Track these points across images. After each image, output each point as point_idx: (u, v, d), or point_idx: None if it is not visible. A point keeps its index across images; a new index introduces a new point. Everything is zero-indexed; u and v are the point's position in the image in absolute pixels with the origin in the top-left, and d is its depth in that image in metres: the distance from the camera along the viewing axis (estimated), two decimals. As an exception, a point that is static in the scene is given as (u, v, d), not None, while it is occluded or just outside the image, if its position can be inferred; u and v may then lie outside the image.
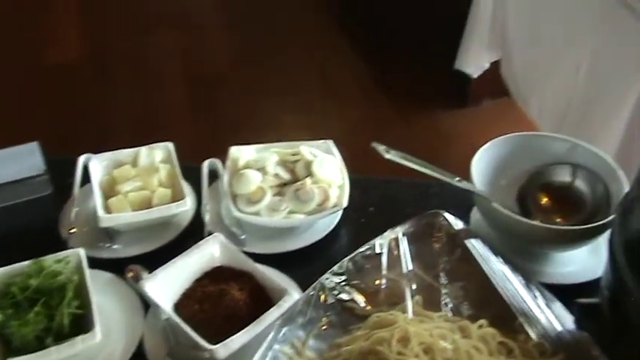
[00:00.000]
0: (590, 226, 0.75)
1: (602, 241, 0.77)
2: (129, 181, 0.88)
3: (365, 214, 0.93)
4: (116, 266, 0.83)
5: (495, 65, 2.08)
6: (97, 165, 0.91)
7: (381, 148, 0.73)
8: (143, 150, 0.93)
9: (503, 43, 1.97)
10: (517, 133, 0.87)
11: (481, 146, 0.85)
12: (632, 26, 1.39)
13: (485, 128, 2.08)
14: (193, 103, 2.43)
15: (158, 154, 0.93)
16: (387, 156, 0.73)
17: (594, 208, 0.81)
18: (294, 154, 0.92)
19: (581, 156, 0.85)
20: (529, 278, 0.73)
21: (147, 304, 0.79)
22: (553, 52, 1.72)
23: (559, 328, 0.67)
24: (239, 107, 2.37)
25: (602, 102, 1.54)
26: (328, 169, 0.89)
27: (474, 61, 2.10)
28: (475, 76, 2.15)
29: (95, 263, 0.83)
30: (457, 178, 0.79)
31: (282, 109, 2.33)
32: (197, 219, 0.90)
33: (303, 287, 0.76)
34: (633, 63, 1.40)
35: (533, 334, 0.67)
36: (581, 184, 0.84)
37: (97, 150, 0.94)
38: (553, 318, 0.69)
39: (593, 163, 0.83)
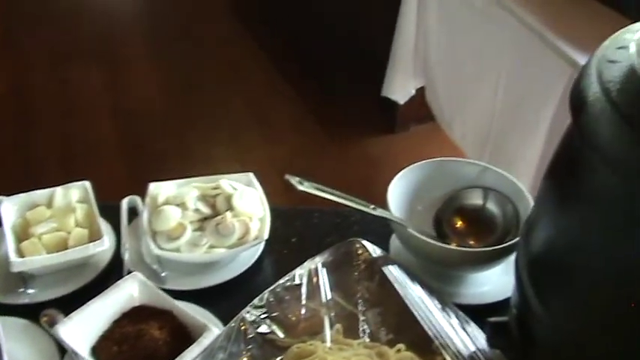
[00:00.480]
0: (498, 247, 0.79)
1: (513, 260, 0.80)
2: (43, 223, 0.86)
3: (287, 245, 0.93)
4: (32, 312, 0.80)
5: (421, 91, 2.15)
6: (9, 207, 0.89)
7: (294, 180, 0.74)
8: (58, 190, 0.91)
9: (426, 70, 2.04)
10: (430, 160, 0.90)
11: (406, 171, 0.88)
12: (542, 51, 1.46)
13: (413, 153, 2.12)
14: (118, 137, 2.39)
15: (75, 194, 0.91)
16: (301, 188, 0.74)
17: (505, 229, 0.84)
18: (214, 188, 0.92)
19: (490, 179, 0.88)
20: (445, 301, 0.75)
21: (64, 350, 0.77)
22: (472, 78, 1.79)
23: (472, 348, 0.69)
24: (166, 141, 2.35)
25: (519, 125, 1.61)
26: (249, 201, 0.90)
27: (400, 88, 2.16)
28: (402, 102, 2.21)
29: (10, 310, 0.80)
30: (372, 206, 0.81)
31: (211, 142, 2.33)
32: (117, 258, 0.88)
33: (225, 322, 0.76)
34: (544, 88, 1.47)
35: (448, 356, 0.69)
36: (492, 207, 0.87)
37: (20, 189, 0.91)
38: (467, 338, 0.71)
39: (502, 186, 0.87)
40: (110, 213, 0.93)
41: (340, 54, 2.66)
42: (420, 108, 2.18)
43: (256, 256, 0.89)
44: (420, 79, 2.10)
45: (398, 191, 0.87)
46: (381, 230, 0.89)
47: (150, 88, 2.64)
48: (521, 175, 1.45)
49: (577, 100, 0.52)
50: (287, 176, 0.74)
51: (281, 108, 2.53)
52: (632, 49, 0.52)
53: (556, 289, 0.58)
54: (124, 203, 0.94)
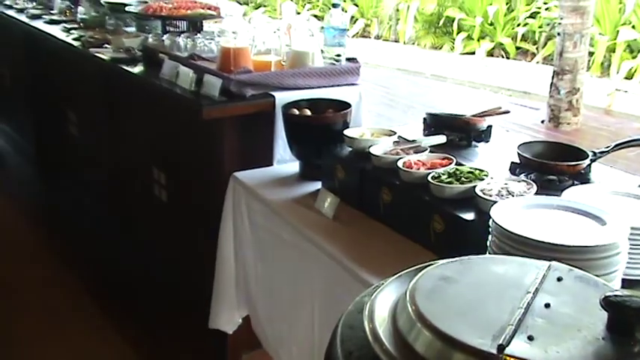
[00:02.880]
0: None
1: None
2: None
3: None
4: None
5: (248, 319, 2.17)
6: None
7: None
8: None
9: (248, 300, 2.09)
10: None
11: None
12: (350, 284, 1.58)
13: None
14: None
15: None
16: None
17: None
18: None
19: None
20: None
21: None
22: (290, 305, 1.86)
23: None
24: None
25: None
26: None
27: (226, 319, 2.18)
28: (230, 332, 2.21)
29: None
30: None
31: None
32: None
33: None
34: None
35: None
36: None
37: None
38: None
39: None
40: None
41: (164, 288, 2.66)
42: (249, 335, 2.19)
43: None
44: (244, 309, 2.14)
45: None
46: None
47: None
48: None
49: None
50: None
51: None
52: (366, 313, 0.59)
53: None
54: None
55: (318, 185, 2.00)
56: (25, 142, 4.47)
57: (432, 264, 0.81)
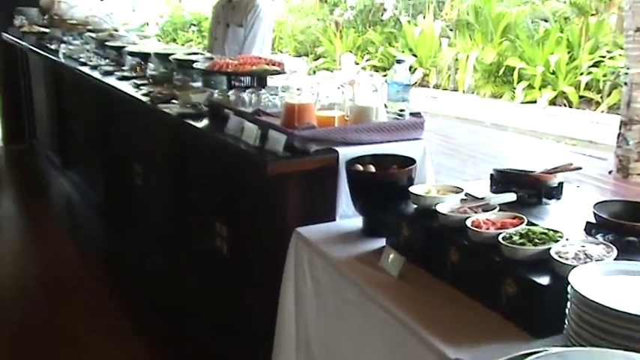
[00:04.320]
0: None
1: None
2: None
3: None
4: None
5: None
6: None
7: None
8: None
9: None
10: None
11: None
12: (416, 348, 1.52)
13: None
14: None
15: None
16: None
17: None
18: None
19: None
20: None
21: None
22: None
23: None
24: None
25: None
26: None
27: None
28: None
29: None
30: None
31: None
32: None
33: None
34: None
35: None
36: None
37: None
38: None
39: None
40: None
41: (221, 343, 2.64)
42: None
43: None
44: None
45: None
46: None
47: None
48: None
49: None
50: None
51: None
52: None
53: None
54: None
55: (382, 242, 1.96)
56: (94, 192, 4.62)
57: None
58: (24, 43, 5.50)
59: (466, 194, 1.87)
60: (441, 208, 1.76)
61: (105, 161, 4.26)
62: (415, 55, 11.44)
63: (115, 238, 4.11)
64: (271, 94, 2.60)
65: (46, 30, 5.50)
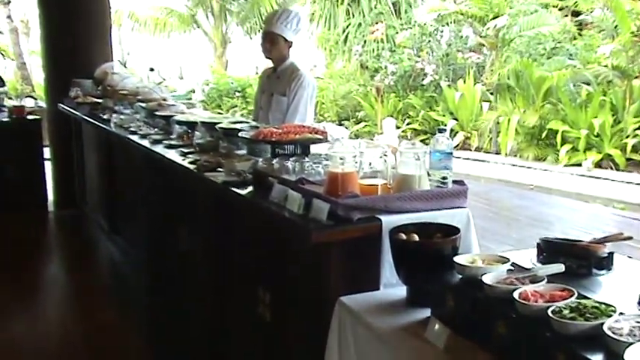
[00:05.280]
0: None
1: None
2: None
3: None
4: None
5: None
6: None
7: None
8: None
9: None
10: None
11: None
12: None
13: None
14: None
15: None
16: None
17: None
18: None
19: None
20: None
21: None
22: None
23: None
24: None
25: None
26: None
27: None
28: None
29: None
30: None
31: None
32: None
33: None
34: None
35: None
36: None
37: None
38: None
39: None
40: None
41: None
42: None
43: None
44: None
45: None
46: None
47: None
48: None
49: None
50: None
51: None
52: None
53: None
54: None
55: (427, 312, 1.93)
56: (138, 255, 4.70)
57: None
58: (78, 114, 5.75)
59: (512, 264, 1.84)
60: (487, 279, 1.73)
61: (150, 225, 4.35)
62: (456, 119, 11.49)
63: (157, 302, 4.14)
64: (314, 163, 2.64)
65: (99, 100, 5.74)
